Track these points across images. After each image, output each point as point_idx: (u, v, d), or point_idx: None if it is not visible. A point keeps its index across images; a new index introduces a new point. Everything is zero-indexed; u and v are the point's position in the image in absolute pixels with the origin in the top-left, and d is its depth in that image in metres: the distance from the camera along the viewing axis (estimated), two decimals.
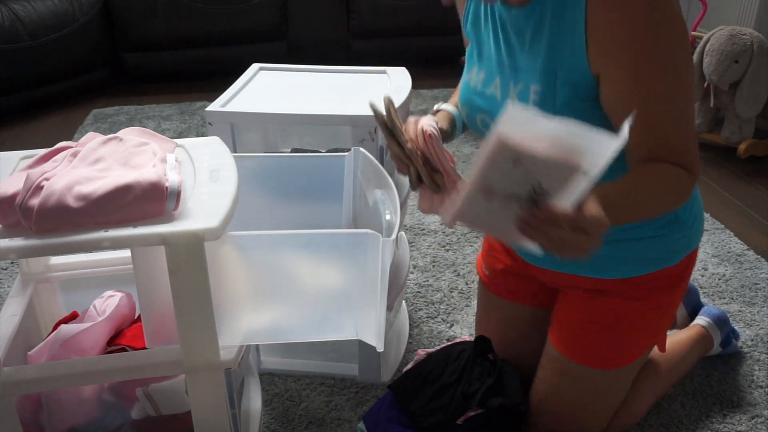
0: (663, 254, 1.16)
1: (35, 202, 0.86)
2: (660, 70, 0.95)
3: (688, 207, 1.15)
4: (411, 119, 1.11)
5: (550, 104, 1.02)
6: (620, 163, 0.95)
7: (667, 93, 0.97)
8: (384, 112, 1.05)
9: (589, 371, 1.20)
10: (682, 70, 0.97)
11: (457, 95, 1.27)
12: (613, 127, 0.99)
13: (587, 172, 0.75)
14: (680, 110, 0.98)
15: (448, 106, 1.25)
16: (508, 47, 1.08)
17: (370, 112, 1.34)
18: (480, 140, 1.09)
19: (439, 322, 1.65)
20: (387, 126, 1.06)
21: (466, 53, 1.21)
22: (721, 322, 1.49)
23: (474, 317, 1.65)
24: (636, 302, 1.18)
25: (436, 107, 1.27)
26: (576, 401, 1.22)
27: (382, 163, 1.32)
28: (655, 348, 1.29)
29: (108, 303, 1.17)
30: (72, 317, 1.20)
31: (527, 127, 0.75)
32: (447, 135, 1.20)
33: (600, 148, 0.74)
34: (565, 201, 0.78)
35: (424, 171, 1.05)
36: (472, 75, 1.17)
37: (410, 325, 1.63)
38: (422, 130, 1.06)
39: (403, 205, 1.43)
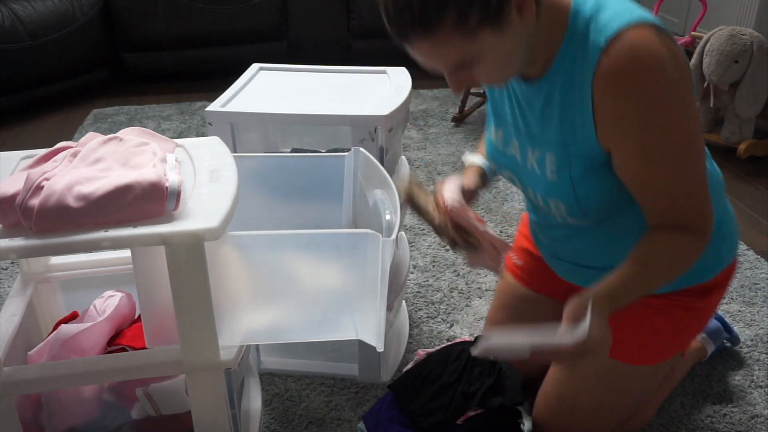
0: (692, 273, 1.12)
1: (35, 202, 0.86)
2: (670, 151, 0.97)
3: (716, 223, 1.09)
4: (438, 188, 1.17)
5: (566, 173, 1.04)
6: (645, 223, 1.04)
7: (678, 167, 0.98)
8: (410, 194, 1.16)
9: (614, 364, 1.18)
10: (692, 147, 0.98)
11: (483, 144, 1.29)
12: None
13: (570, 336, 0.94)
14: (691, 180, 0.99)
15: (477, 158, 1.28)
16: (523, 114, 1.09)
17: (370, 112, 1.35)
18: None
19: (439, 322, 1.65)
20: (415, 205, 1.17)
21: (486, 107, 1.23)
22: (715, 335, 1.49)
23: (474, 317, 1.65)
24: (667, 302, 1.18)
25: (465, 162, 1.30)
26: (595, 395, 1.21)
27: (382, 163, 1.32)
28: None
29: (108, 303, 1.17)
30: (72, 317, 1.20)
31: (506, 336, 0.99)
32: (479, 188, 1.24)
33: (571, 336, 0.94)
34: (566, 339, 0.94)
35: (457, 237, 1.13)
36: (492, 132, 1.19)
37: (410, 325, 1.63)
38: (445, 206, 1.13)
39: (403, 205, 1.43)
